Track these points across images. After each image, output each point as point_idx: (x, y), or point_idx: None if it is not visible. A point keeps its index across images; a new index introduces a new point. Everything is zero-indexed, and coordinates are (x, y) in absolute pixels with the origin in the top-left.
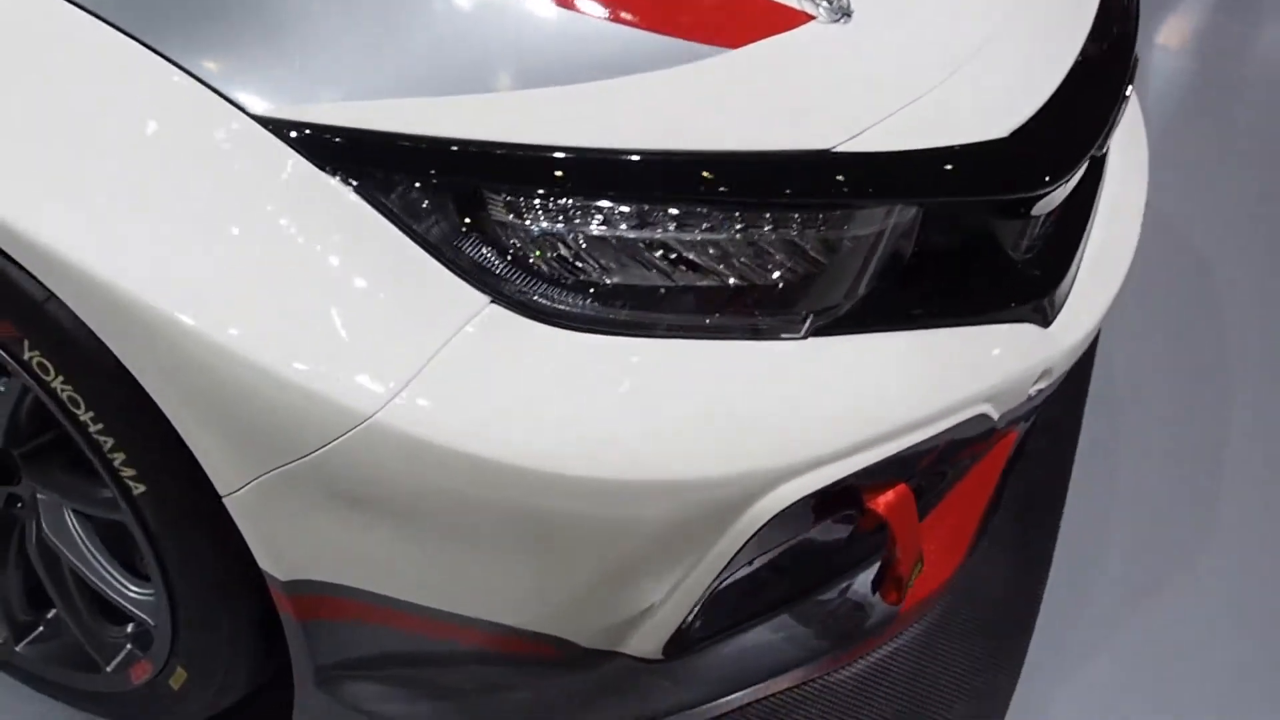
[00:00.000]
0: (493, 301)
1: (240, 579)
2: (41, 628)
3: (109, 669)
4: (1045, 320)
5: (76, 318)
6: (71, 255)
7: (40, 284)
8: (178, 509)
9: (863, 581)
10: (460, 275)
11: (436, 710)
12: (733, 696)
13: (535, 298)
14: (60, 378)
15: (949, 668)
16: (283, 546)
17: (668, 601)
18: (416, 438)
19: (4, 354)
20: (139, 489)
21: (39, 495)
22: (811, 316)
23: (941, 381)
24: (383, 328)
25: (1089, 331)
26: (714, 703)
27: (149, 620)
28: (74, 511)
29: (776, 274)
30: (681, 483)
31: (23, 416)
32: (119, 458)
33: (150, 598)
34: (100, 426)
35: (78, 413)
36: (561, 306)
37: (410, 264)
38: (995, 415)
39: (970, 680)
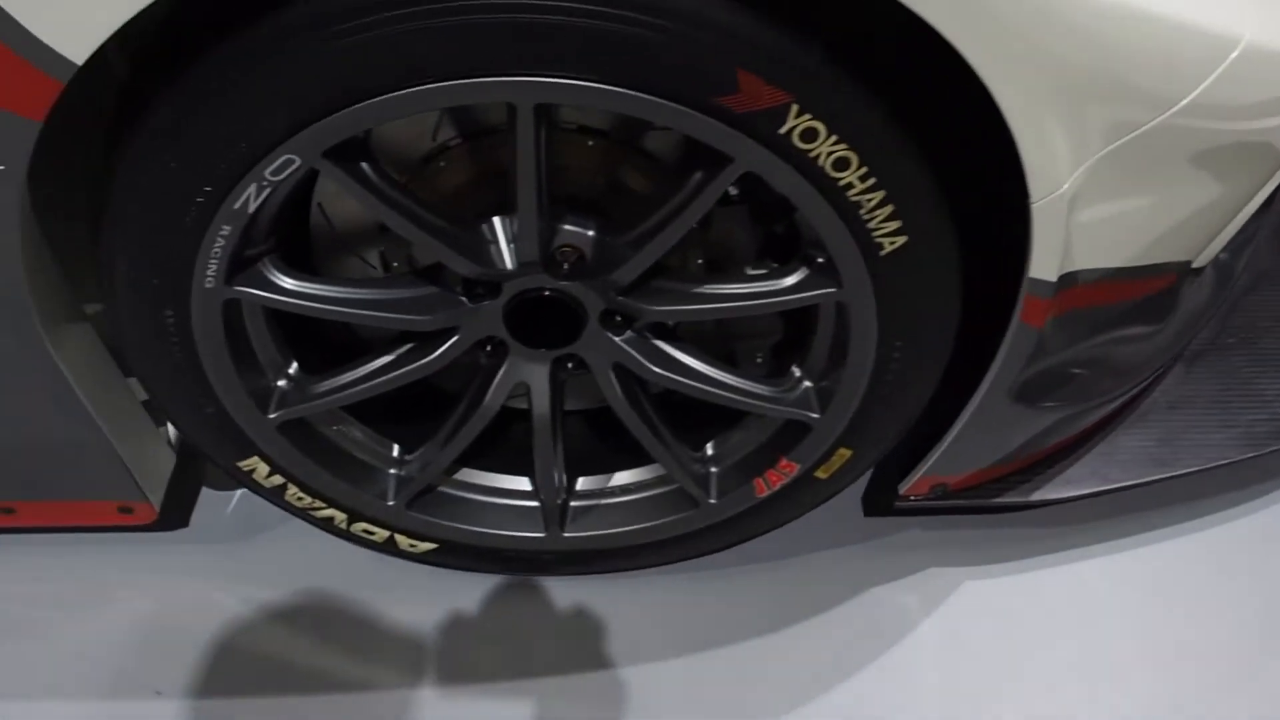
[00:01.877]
0: None
1: (954, 322)
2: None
3: (714, 498)
4: None
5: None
6: None
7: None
8: (932, 257)
9: None
10: None
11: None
12: None
13: None
14: (832, 138)
15: None
16: (1073, 242)
17: None
18: None
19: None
20: (895, 244)
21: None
22: None
23: None
24: None
25: None
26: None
27: (810, 415)
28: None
29: None
30: None
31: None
32: (883, 213)
33: (811, 389)
34: (871, 182)
35: (841, 175)
36: None
37: None
38: None
39: None
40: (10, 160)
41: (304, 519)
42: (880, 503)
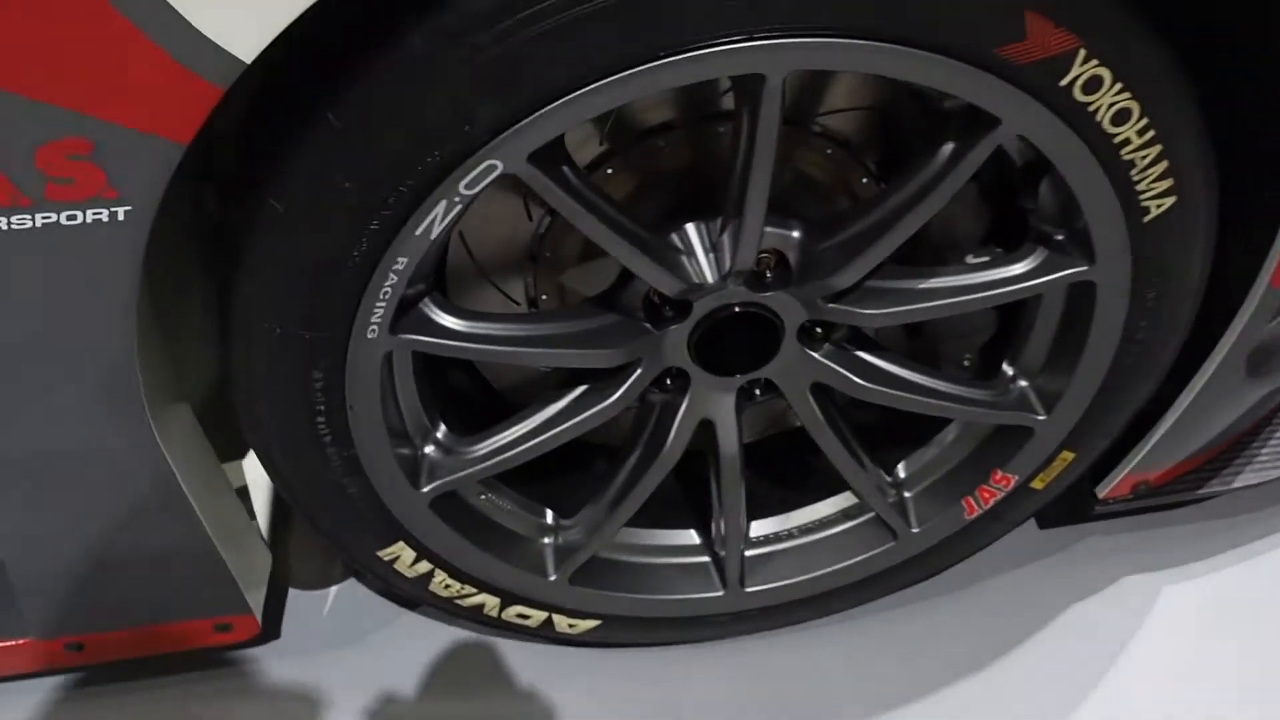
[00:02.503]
0: None
1: (1200, 295)
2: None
3: (915, 527)
4: None
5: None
6: None
7: None
8: (1194, 220)
9: None
10: None
11: None
12: None
13: None
14: (1116, 87)
15: None
16: None
17: None
18: None
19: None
20: (1162, 207)
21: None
22: None
23: None
24: None
25: None
26: None
27: (1034, 417)
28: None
29: None
30: None
31: None
32: (1155, 171)
33: (1028, 389)
34: (1149, 136)
35: (1119, 130)
36: None
37: None
38: None
39: None
40: (142, 198)
41: (447, 610)
42: (1069, 511)
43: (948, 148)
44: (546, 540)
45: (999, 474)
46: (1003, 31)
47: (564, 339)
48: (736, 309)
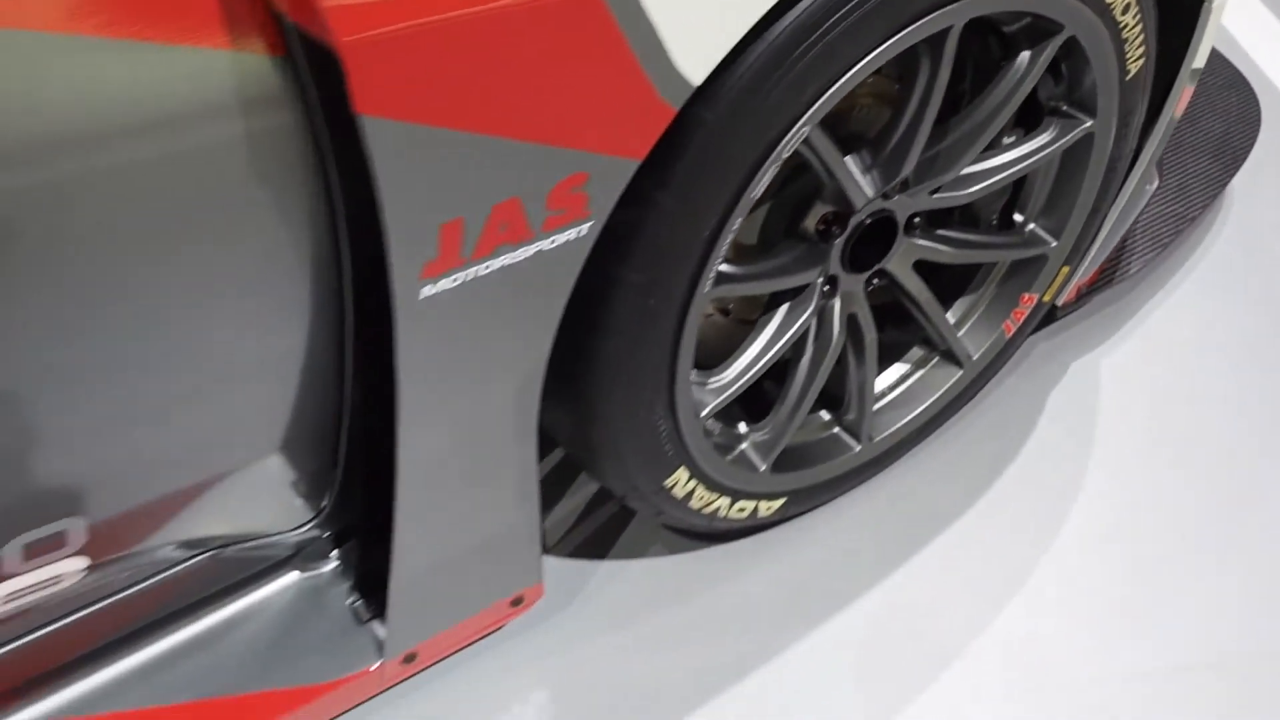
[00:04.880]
0: None
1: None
2: None
3: (974, 355)
4: None
5: None
6: None
7: None
8: (1150, 71)
9: None
10: None
11: None
12: None
13: None
14: None
15: None
16: None
17: None
18: None
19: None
20: (1138, 65)
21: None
22: None
23: None
24: None
25: None
26: None
27: (1048, 245)
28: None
29: None
30: None
31: None
32: (1137, 41)
33: (1035, 228)
34: (1137, 16)
35: (1124, 18)
36: None
37: None
38: None
39: None
40: (602, 213)
41: (693, 523)
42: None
43: (1024, 55)
44: (745, 444)
45: (1025, 296)
46: None
47: (781, 269)
48: (869, 219)
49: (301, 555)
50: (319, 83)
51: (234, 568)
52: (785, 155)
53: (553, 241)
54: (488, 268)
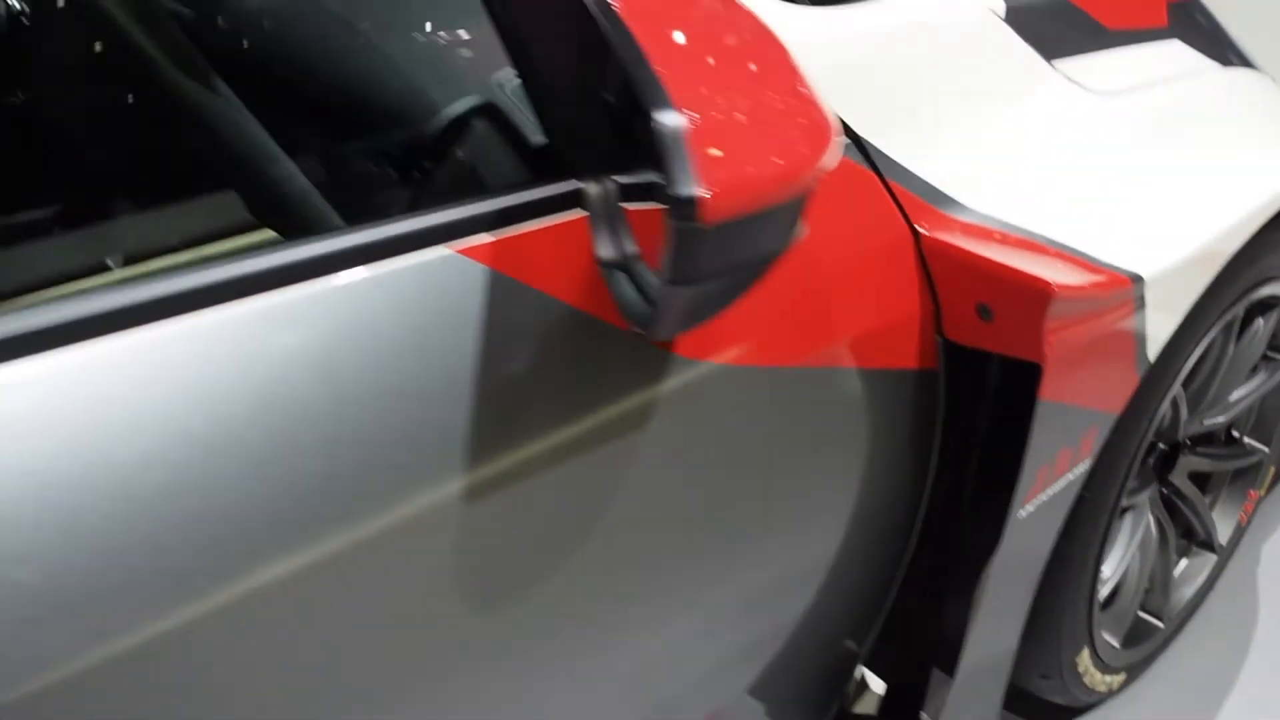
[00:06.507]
0: None
1: None
2: None
3: (1223, 542)
4: None
5: None
6: None
7: None
8: None
9: None
10: None
11: None
12: None
13: None
14: None
15: None
16: None
17: None
18: None
19: None
20: None
21: None
22: None
23: None
24: None
25: None
26: None
27: (1265, 450)
28: None
29: None
30: None
31: None
32: None
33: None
34: None
35: None
36: None
37: None
38: None
39: None
40: (1095, 452)
41: (1074, 700)
42: None
43: (1259, 321)
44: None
45: (1252, 491)
46: None
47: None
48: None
49: None
50: (1002, 378)
51: None
52: None
53: (1074, 474)
54: (1048, 494)
